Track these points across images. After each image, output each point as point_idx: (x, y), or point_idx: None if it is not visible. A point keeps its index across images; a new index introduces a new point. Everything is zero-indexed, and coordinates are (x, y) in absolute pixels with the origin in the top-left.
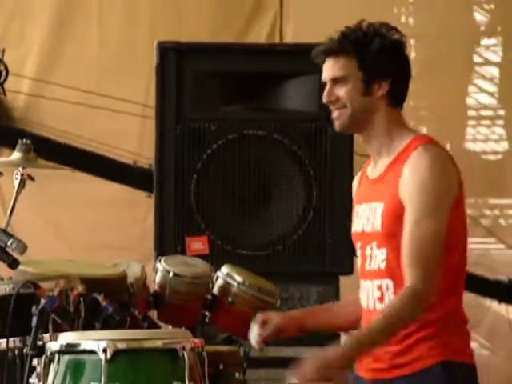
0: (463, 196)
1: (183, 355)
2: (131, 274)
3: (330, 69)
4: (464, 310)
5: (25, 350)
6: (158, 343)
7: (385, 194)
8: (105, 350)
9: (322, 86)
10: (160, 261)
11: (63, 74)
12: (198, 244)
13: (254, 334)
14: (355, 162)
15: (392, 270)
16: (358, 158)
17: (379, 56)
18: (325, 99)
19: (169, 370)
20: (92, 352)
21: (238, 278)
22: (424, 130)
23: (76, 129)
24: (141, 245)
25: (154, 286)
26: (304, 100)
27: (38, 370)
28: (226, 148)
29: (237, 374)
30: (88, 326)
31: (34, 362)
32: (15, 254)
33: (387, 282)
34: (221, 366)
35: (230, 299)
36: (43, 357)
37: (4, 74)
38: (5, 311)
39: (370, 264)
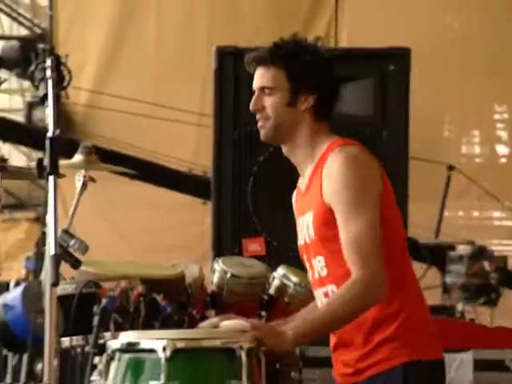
0: (389, 188)
1: (240, 355)
2: (189, 275)
3: (259, 78)
4: (422, 302)
5: (87, 348)
6: (217, 342)
7: (312, 202)
8: (164, 349)
9: (376, 89)
10: (218, 262)
11: (121, 79)
12: (255, 245)
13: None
14: (412, 166)
15: (333, 275)
16: (415, 163)
17: (308, 70)
18: (251, 107)
19: (226, 369)
20: (152, 351)
21: (295, 279)
22: (476, 133)
23: (131, 138)
24: (198, 245)
25: (211, 287)
26: (359, 104)
27: (100, 367)
28: (282, 151)
29: (293, 374)
30: (147, 326)
31: (96, 359)
32: (77, 255)
33: (332, 288)
34: (277, 366)
35: (286, 300)
36: (104, 355)
37: (67, 78)
38: (67, 310)
39: (314, 274)
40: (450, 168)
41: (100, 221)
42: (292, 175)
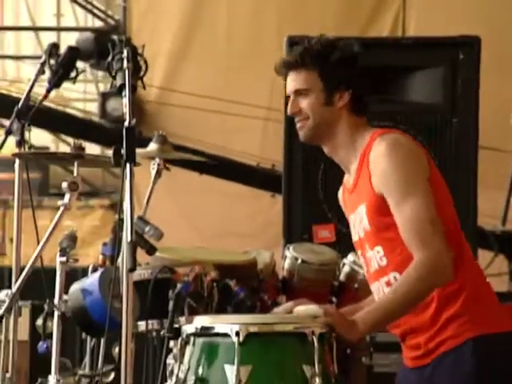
0: (436, 175)
1: (312, 339)
2: (261, 261)
3: (292, 82)
4: (483, 278)
5: (162, 332)
6: (289, 327)
7: (363, 195)
8: (237, 334)
9: (446, 78)
10: (288, 248)
11: (192, 70)
12: (325, 232)
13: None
14: (480, 155)
15: (394, 263)
16: (482, 151)
17: (339, 67)
18: (289, 111)
19: (299, 354)
20: (225, 335)
21: None
22: None
23: (199, 132)
24: (266, 233)
25: (282, 273)
26: (428, 92)
27: (175, 351)
28: None
29: (363, 359)
30: (221, 310)
31: (171, 343)
32: (152, 241)
33: (394, 275)
34: (348, 351)
35: (355, 286)
36: (179, 339)
37: (144, 68)
38: (143, 295)
39: (372, 266)
40: None
41: (172, 208)
42: None
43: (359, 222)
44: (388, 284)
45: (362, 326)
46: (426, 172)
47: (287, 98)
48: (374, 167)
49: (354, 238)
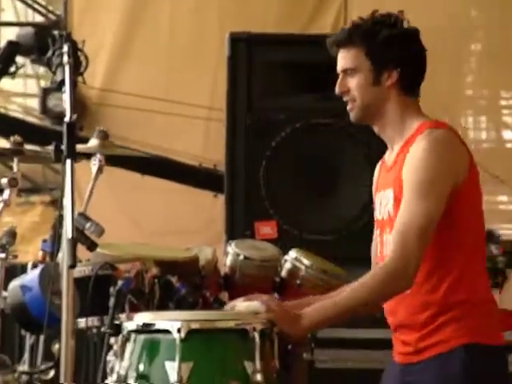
0: (474, 178)
1: (254, 336)
2: (203, 257)
3: (340, 60)
4: (487, 288)
5: (102, 329)
6: (230, 324)
7: (394, 180)
8: (179, 330)
9: None
10: (230, 244)
11: (134, 67)
12: (267, 228)
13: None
14: None
15: None
16: None
17: (387, 46)
18: (337, 90)
19: (240, 350)
20: (167, 331)
21: (306, 262)
22: (483, 119)
23: (140, 133)
24: (209, 230)
25: (224, 269)
26: None
27: (115, 348)
28: (294, 136)
29: (305, 354)
30: (162, 307)
31: (112, 340)
32: (93, 237)
33: None
34: (289, 347)
35: (298, 282)
36: (120, 336)
37: (84, 63)
38: (84, 292)
39: (387, 249)
40: None
41: (113, 205)
42: (304, 160)
43: (385, 203)
44: None
45: (307, 322)
46: (455, 179)
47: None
48: (408, 160)
49: (378, 216)
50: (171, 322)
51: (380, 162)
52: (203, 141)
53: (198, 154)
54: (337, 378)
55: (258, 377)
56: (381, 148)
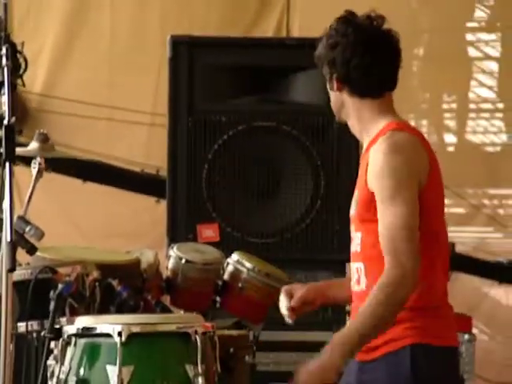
0: (434, 180)
1: (196, 339)
2: (145, 261)
3: None
4: (444, 292)
5: (43, 333)
6: (172, 327)
7: (359, 181)
8: (120, 334)
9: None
10: (172, 248)
11: (75, 70)
12: (209, 231)
13: (284, 306)
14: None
15: (365, 254)
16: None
17: (327, 53)
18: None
19: (182, 353)
20: (107, 335)
21: (248, 265)
22: (424, 123)
23: (81, 139)
24: (151, 232)
25: (166, 272)
26: (312, 93)
27: (56, 352)
28: (236, 139)
29: (246, 358)
30: (103, 311)
31: (52, 344)
32: (33, 241)
33: (360, 266)
34: (231, 350)
35: (239, 285)
36: (60, 340)
37: (23, 66)
38: (24, 296)
39: (352, 247)
40: None
41: (54, 208)
42: (246, 162)
43: (354, 200)
44: (356, 270)
45: (340, 360)
46: (420, 178)
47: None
48: (372, 164)
49: (351, 211)
50: (112, 325)
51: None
52: (146, 147)
53: (140, 160)
54: (279, 381)
55: (200, 380)
56: (323, 150)
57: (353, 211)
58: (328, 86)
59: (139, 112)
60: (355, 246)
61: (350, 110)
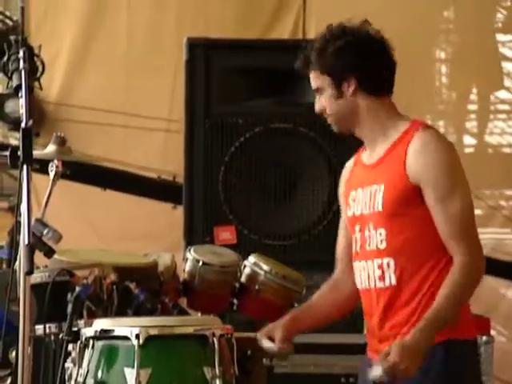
0: None
1: (213, 341)
2: (162, 263)
3: (311, 82)
4: None
5: (60, 336)
6: (189, 329)
7: (386, 176)
8: (137, 336)
9: None
10: (189, 250)
11: (91, 74)
12: (226, 234)
13: (275, 346)
14: None
15: (393, 249)
16: None
17: (336, 58)
18: (316, 110)
19: (199, 356)
20: (125, 338)
21: (265, 267)
22: (441, 124)
23: (97, 147)
24: (168, 235)
25: (183, 275)
26: None
27: (73, 355)
28: (252, 141)
29: (264, 360)
30: (121, 313)
31: (70, 347)
32: (50, 243)
33: (388, 261)
34: (249, 352)
35: (256, 287)
36: (78, 342)
37: (40, 69)
38: (41, 298)
39: (369, 245)
40: None
41: (71, 211)
42: (263, 165)
43: (369, 198)
44: (380, 267)
45: (427, 344)
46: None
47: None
48: (417, 157)
49: (356, 212)
50: (130, 328)
51: (351, 164)
52: (162, 153)
53: (156, 166)
54: (296, 383)
55: (218, 382)
56: (341, 152)
57: (369, 209)
58: (330, 95)
59: (155, 118)
60: (375, 243)
61: (366, 112)
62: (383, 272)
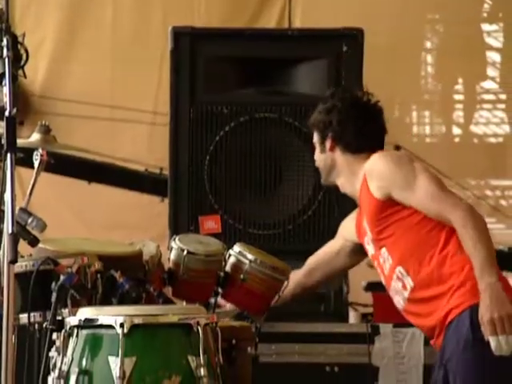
0: None
1: (198, 330)
2: (147, 252)
3: None
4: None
5: (45, 325)
6: (174, 318)
7: (365, 210)
8: (122, 325)
9: (330, 69)
10: (174, 239)
11: (77, 62)
12: (211, 223)
13: None
14: None
15: (396, 257)
16: None
17: (320, 119)
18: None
19: (184, 345)
20: (109, 327)
21: (250, 256)
22: (427, 114)
23: (84, 140)
24: (155, 225)
25: (168, 264)
26: (314, 83)
27: (58, 343)
28: (238, 130)
29: (249, 349)
30: (105, 302)
31: (54, 336)
32: (35, 232)
33: (399, 269)
34: (233, 341)
35: (241, 276)
36: (62, 331)
37: (24, 57)
38: (25, 287)
39: (385, 269)
40: (397, 148)
41: (57, 199)
42: (248, 154)
43: (368, 237)
44: (399, 278)
45: (494, 278)
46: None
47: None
48: (371, 176)
49: (370, 254)
50: (114, 317)
51: (356, 220)
52: (148, 146)
53: (143, 159)
54: (281, 372)
55: (202, 371)
56: None
57: (372, 242)
58: (318, 150)
59: (141, 111)
60: (387, 263)
61: (342, 166)
62: (403, 282)
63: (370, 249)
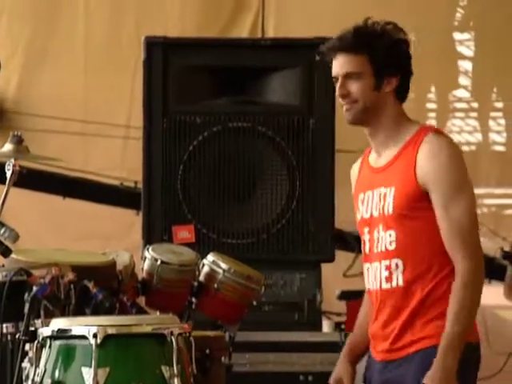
0: None
1: (171, 340)
2: (120, 262)
3: (342, 65)
4: None
5: (17, 336)
6: (147, 328)
7: (396, 179)
8: (95, 335)
9: (303, 79)
10: (148, 249)
11: (48, 76)
12: (185, 233)
13: None
14: (338, 157)
15: (402, 250)
16: (340, 154)
17: (389, 54)
18: (337, 94)
19: (157, 355)
20: (83, 337)
21: (224, 266)
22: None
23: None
24: (130, 234)
25: (142, 274)
26: (287, 93)
27: (30, 354)
28: (211, 140)
29: (223, 358)
30: (78, 313)
31: (27, 347)
32: (7, 243)
33: (396, 262)
34: (207, 351)
35: (215, 286)
36: (35, 342)
37: None
38: None
39: (377, 246)
40: None
41: (29, 209)
42: (222, 163)
43: (378, 201)
44: (387, 268)
45: (456, 363)
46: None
47: None
48: (427, 161)
49: (365, 214)
50: (87, 327)
51: (358, 166)
52: (121, 159)
53: (115, 172)
54: (255, 382)
55: (176, 381)
56: (299, 151)
57: (379, 211)
58: (368, 83)
59: (115, 125)
60: (384, 245)
61: (389, 113)
62: (391, 273)
63: (368, 211)
